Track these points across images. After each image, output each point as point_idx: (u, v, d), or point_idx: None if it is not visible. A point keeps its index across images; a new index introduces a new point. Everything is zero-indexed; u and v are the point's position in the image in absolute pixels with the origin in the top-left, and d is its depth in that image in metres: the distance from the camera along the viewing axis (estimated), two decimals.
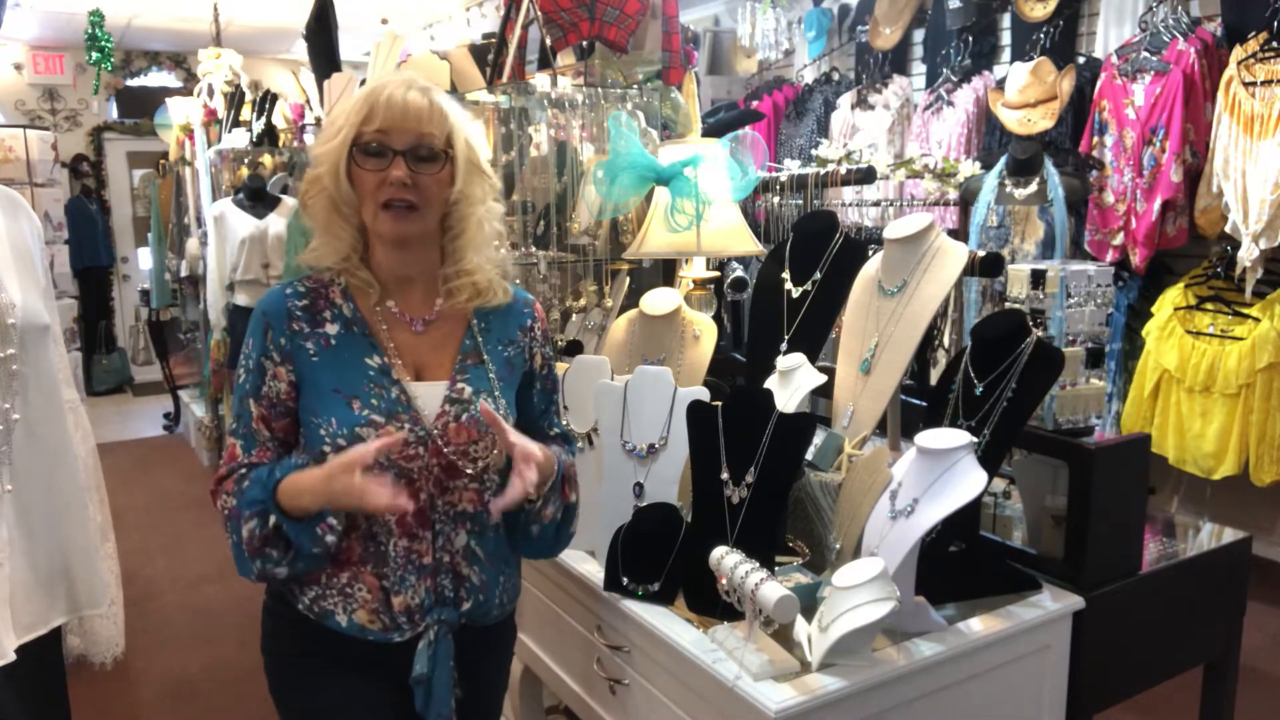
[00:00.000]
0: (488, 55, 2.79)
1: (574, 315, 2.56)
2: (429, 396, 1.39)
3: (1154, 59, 3.79)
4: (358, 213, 1.38)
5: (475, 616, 1.45)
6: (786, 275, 2.04)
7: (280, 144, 5.29)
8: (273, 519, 1.31)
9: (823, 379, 1.84)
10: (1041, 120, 4.04)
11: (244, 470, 1.38)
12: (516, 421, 1.46)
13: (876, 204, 4.29)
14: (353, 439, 1.33)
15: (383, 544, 1.38)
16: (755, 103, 5.72)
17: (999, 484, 1.95)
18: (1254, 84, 3.49)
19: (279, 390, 1.39)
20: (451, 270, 1.43)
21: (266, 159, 5.43)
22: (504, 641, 1.58)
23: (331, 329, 1.40)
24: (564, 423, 1.69)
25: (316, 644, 1.41)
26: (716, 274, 2.48)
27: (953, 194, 3.92)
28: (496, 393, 1.43)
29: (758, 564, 1.41)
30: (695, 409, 1.69)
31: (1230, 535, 1.93)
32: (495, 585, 1.47)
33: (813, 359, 1.90)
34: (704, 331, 2.11)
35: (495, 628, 1.51)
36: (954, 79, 4.76)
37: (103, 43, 6.69)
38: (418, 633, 1.40)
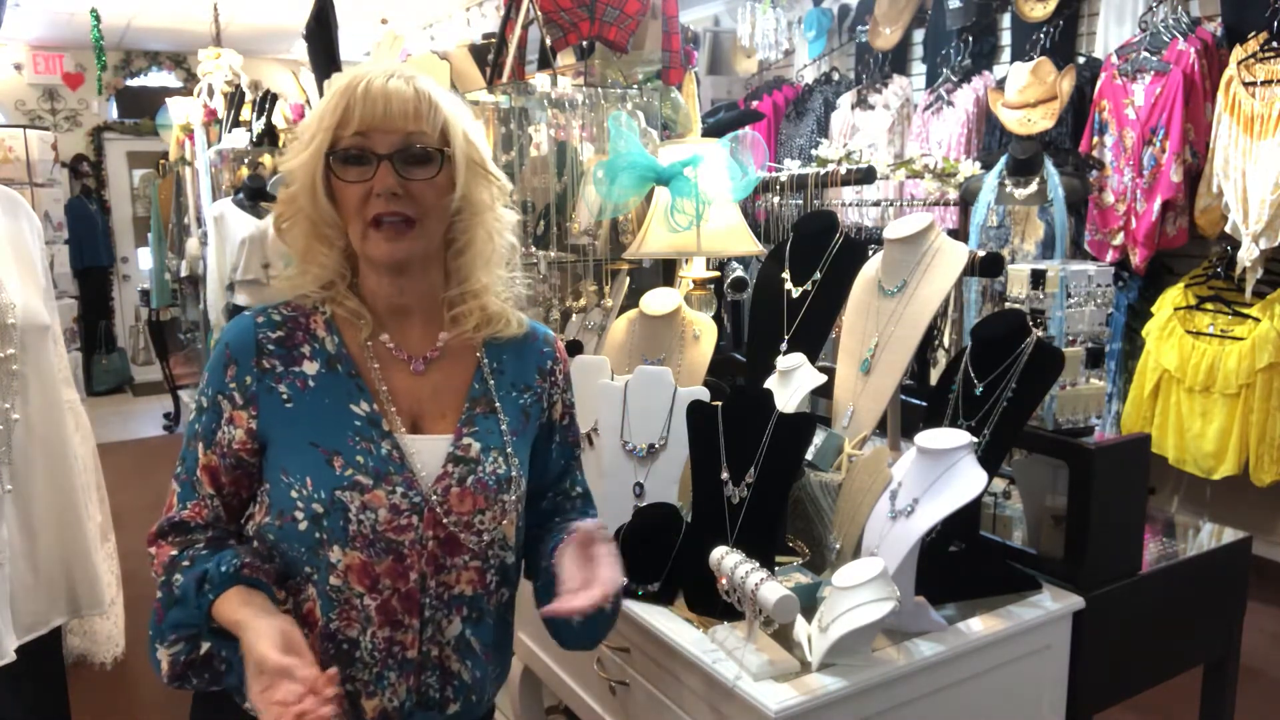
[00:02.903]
0: (488, 55, 2.79)
1: (574, 315, 2.56)
2: (428, 453, 1.17)
3: (1154, 59, 3.79)
4: (343, 234, 1.17)
5: None
6: (786, 275, 2.04)
7: (280, 144, 5.29)
8: (205, 646, 1.12)
9: (823, 379, 1.84)
10: (1041, 120, 4.04)
11: (176, 551, 1.15)
12: (530, 481, 1.27)
13: (876, 204, 4.30)
14: (332, 504, 1.11)
15: (352, 638, 1.14)
16: (755, 103, 5.72)
17: (999, 484, 1.94)
18: (1254, 84, 3.49)
19: (233, 438, 1.16)
20: (456, 293, 1.21)
21: (266, 159, 5.43)
22: None
23: (310, 368, 1.17)
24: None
25: None
26: (716, 274, 2.48)
27: (953, 194, 3.92)
28: (509, 450, 1.21)
29: (758, 564, 1.41)
30: (695, 409, 1.69)
31: (1230, 535, 1.93)
32: (488, 682, 1.24)
33: (813, 359, 1.90)
34: (704, 331, 2.11)
35: None
36: (954, 79, 4.75)
37: (96, 42, 6.70)
38: None
